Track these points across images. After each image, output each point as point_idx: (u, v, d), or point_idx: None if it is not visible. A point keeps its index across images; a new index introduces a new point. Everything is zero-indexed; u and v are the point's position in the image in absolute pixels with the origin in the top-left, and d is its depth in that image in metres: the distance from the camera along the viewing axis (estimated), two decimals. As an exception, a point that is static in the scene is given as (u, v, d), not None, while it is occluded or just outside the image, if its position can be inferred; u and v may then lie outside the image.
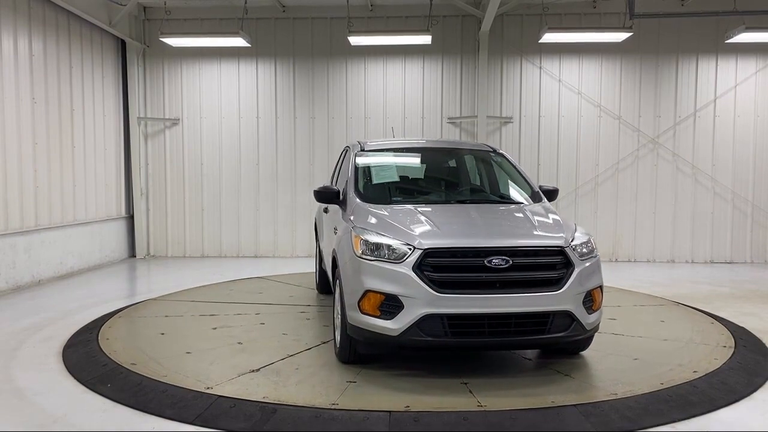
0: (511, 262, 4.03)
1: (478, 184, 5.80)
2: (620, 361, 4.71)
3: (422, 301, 3.95)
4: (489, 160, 5.84)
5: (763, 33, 8.97)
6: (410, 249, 4.08)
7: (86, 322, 5.94)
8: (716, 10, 9.33)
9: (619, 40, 9.60)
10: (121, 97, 10.49)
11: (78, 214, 9.18)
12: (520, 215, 4.78)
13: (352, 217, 4.71)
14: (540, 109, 10.42)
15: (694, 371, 4.43)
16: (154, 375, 4.32)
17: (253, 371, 4.40)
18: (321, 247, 6.72)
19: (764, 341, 5.35)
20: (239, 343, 5.11)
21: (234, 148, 10.71)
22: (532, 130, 10.44)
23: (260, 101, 10.65)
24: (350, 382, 4.21)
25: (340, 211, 5.13)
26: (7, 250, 7.60)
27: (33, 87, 8.17)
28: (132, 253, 10.78)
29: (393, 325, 4.01)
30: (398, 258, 4.09)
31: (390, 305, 4.03)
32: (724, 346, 5.09)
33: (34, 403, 3.96)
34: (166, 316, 6.11)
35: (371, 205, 4.84)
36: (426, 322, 3.96)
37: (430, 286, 3.97)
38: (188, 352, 4.88)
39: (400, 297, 4.00)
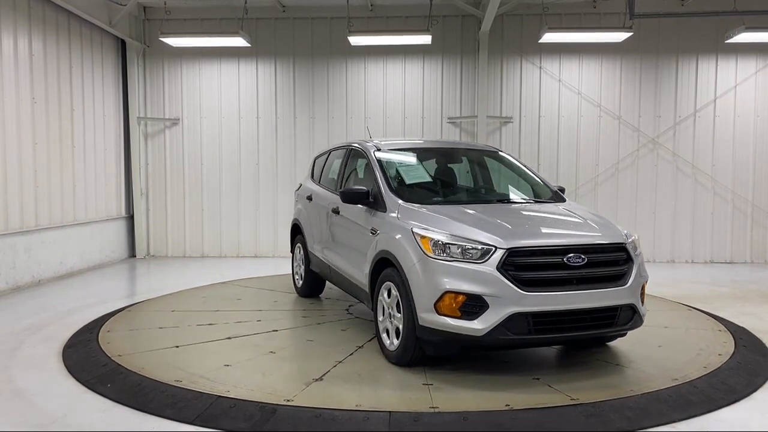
0: (586, 259, 4.17)
1: (503, 184, 5.88)
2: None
3: (508, 300, 3.98)
4: (502, 161, 6.02)
5: (763, 33, 8.97)
6: (492, 249, 4.09)
7: (86, 322, 5.94)
8: (716, 10, 9.34)
9: (619, 40, 9.61)
10: (121, 97, 10.49)
11: (78, 214, 9.18)
12: (571, 214, 4.92)
13: (399, 218, 4.66)
14: (540, 109, 10.42)
15: (694, 371, 4.43)
16: (155, 375, 4.31)
17: (316, 380, 4.23)
18: (311, 249, 6.55)
19: (764, 341, 5.36)
20: (271, 352, 4.91)
21: (234, 148, 10.71)
22: (532, 130, 10.44)
23: (260, 101, 10.66)
24: (426, 384, 4.16)
25: (371, 212, 5.04)
26: (7, 250, 7.60)
27: (33, 87, 8.17)
28: (132, 253, 10.78)
29: (478, 325, 4.00)
30: (479, 258, 4.09)
31: (473, 305, 4.03)
32: (724, 346, 5.09)
33: (34, 403, 3.96)
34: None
35: (416, 205, 4.80)
36: (512, 320, 3.99)
37: (516, 285, 4.00)
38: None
39: (484, 297, 4.00)
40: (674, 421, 3.66)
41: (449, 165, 5.95)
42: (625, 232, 4.60)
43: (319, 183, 6.76)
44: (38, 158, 8.26)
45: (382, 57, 10.46)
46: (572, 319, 4.14)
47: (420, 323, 4.22)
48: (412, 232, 4.39)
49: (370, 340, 5.21)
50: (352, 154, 6.08)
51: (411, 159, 5.72)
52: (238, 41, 9.41)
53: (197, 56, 10.57)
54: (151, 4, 10.28)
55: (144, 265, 9.97)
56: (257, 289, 7.58)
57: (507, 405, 3.80)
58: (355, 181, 5.83)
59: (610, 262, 4.33)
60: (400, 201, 4.85)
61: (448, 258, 4.15)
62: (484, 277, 4.02)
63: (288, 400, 3.84)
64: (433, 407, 3.75)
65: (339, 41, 10.31)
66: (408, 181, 5.29)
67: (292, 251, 7.42)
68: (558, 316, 4.10)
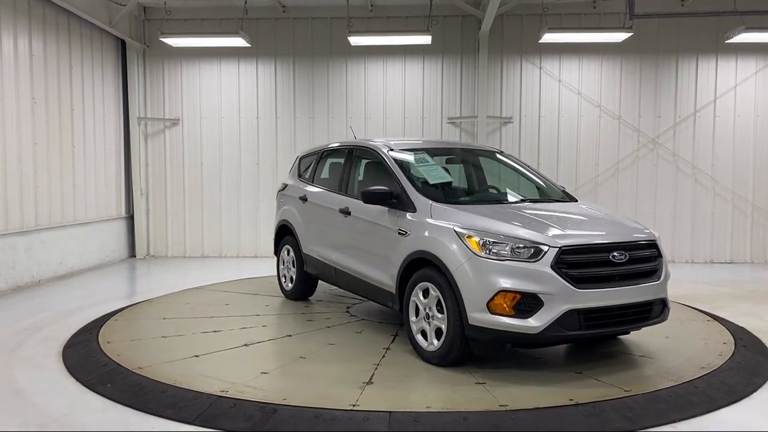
0: (627, 256, 4.33)
1: (516, 184, 5.93)
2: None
3: (563, 298, 4.06)
4: (506, 162, 6.10)
5: (763, 33, 8.96)
6: (544, 247, 4.14)
7: (86, 322, 5.93)
8: (716, 10, 9.33)
9: (619, 40, 9.61)
10: (121, 97, 10.49)
11: (78, 214, 9.18)
12: (597, 213, 5.12)
13: (433, 218, 4.66)
14: (540, 109, 10.42)
15: (694, 371, 4.43)
16: (155, 375, 4.31)
17: (366, 383, 4.17)
18: (306, 251, 6.42)
19: (764, 341, 5.36)
20: (301, 357, 4.78)
21: (234, 148, 10.71)
22: (532, 130, 10.44)
23: (260, 101, 10.66)
24: (479, 383, 4.18)
25: (396, 212, 5.00)
26: (7, 250, 7.60)
27: (33, 87, 8.17)
28: (132, 253, 10.78)
29: (534, 323, 4.06)
30: (531, 257, 4.14)
31: (528, 304, 4.08)
32: (724, 346, 5.09)
33: (34, 403, 3.96)
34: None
35: (448, 205, 4.82)
36: (567, 317, 4.08)
37: (569, 283, 4.09)
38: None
39: (539, 295, 4.06)
40: (674, 421, 3.65)
41: (462, 165, 5.98)
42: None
43: (312, 183, 6.59)
44: (38, 158, 8.26)
45: (382, 57, 10.46)
46: (617, 314, 4.30)
47: (470, 323, 4.24)
48: (456, 232, 4.40)
49: (393, 341, 5.19)
50: (357, 154, 6.00)
51: (429, 160, 5.68)
52: (238, 41, 9.41)
53: (197, 56, 10.57)
54: (151, 4, 10.28)
55: (144, 265, 9.97)
56: (239, 293, 7.22)
57: (570, 400, 3.84)
58: (366, 182, 5.77)
59: (646, 258, 4.50)
60: (432, 202, 4.84)
61: (499, 257, 4.19)
62: (538, 276, 4.09)
63: (354, 405, 3.78)
64: (502, 405, 3.78)
65: (339, 41, 10.31)
66: (431, 182, 5.27)
67: (277, 254, 7.17)
68: (605, 312, 4.23)
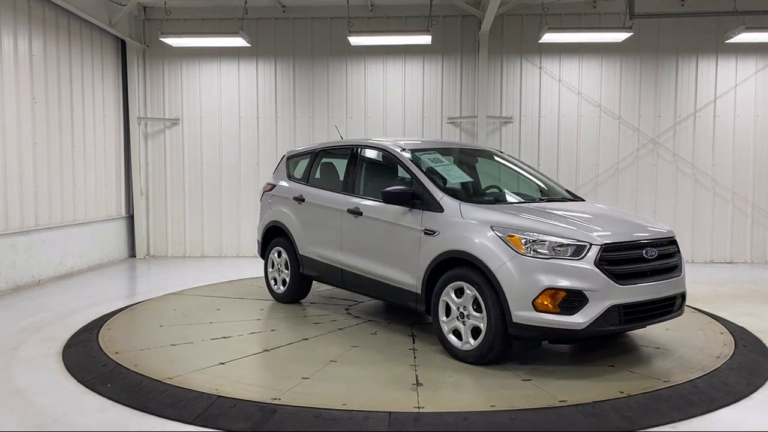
0: (656, 252, 4.51)
1: (526, 184, 5.99)
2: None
3: (606, 294, 4.19)
4: (507, 162, 6.18)
5: (763, 33, 8.97)
6: (587, 245, 4.26)
7: (86, 322, 5.93)
8: (716, 10, 9.33)
9: (619, 40, 9.61)
10: (121, 97, 10.49)
11: (78, 214, 9.18)
12: (617, 211, 5.33)
13: (465, 218, 4.68)
14: (540, 109, 10.42)
15: (694, 371, 4.44)
16: (155, 375, 4.30)
17: (416, 385, 4.14)
18: (304, 252, 6.30)
19: (764, 341, 5.36)
20: (332, 361, 4.67)
21: (234, 149, 10.71)
22: (532, 130, 10.44)
23: (260, 101, 10.66)
24: (526, 380, 4.24)
25: (420, 212, 4.98)
26: (7, 250, 7.60)
27: (33, 87, 8.17)
28: (132, 253, 10.78)
29: (579, 319, 4.16)
30: (574, 254, 4.25)
31: (573, 300, 4.17)
32: (724, 346, 5.09)
33: (34, 403, 3.96)
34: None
35: (478, 205, 4.89)
36: (609, 312, 4.20)
37: (612, 279, 4.22)
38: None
39: (584, 292, 4.16)
40: (674, 421, 3.65)
41: (473, 165, 6.00)
42: None
43: (308, 183, 6.46)
44: (38, 158, 8.26)
45: (382, 57, 10.46)
46: (650, 309, 4.45)
47: (514, 321, 4.28)
48: (495, 231, 4.46)
49: (414, 341, 5.19)
50: (364, 154, 5.94)
51: (443, 159, 5.70)
52: (238, 41, 9.41)
53: (197, 56, 10.57)
54: (151, 4, 10.28)
55: (144, 265, 9.97)
56: (224, 298, 6.99)
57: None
58: (378, 183, 5.77)
59: (670, 254, 4.69)
60: (460, 201, 4.87)
61: (546, 256, 4.26)
62: (583, 273, 4.19)
63: (420, 408, 3.74)
64: (561, 401, 3.86)
65: (339, 41, 10.31)
66: (452, 181, 5.29)
67: (264, 256, 6.94)
68: (641, 306, 4.38)
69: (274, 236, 6.83)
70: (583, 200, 5.71)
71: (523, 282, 4.24)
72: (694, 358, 4.79)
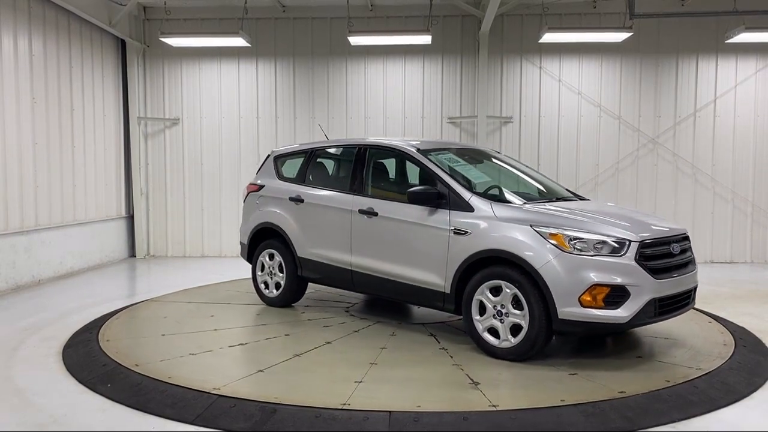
0: (679, 248, 4.77)
1: (534, 185, 6.04)
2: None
3: (646, 288, 4.39)
4: (504, 162, 6.26)
5: (763, 33, 8.97)
6: (626, 242, 4.43)
7: (86, 322, 5.93)
8: (716, 10, 9.33)
9: (619, 40, 9.61)
10: (121, 97, 10.49)
11: (78, 214, 9.18)
12: (630, 210, 5.54)
13: (499, 217, 4.73)
14: (540, 109, 10.42)
15: (694, 371, 4.44)
16: (155, 375, 4.30)
17: (473, 384, 4.16)
18: (303, 254, 6.09)
19: (764, 341, 5.36)
20: (372, 363, 4.61)
21: (234, 148, 10.71)
22: (532, 130, 10.44)
23: (260, 101, 10.66)
24: (573, 374, 4.37)
25: (447, 212, 4.98)
26: (7, 250, 7.60)
27: (33, 87, 8.17)
28: (132, 253, 10.78)
29: (622, 313, 4.34)
30: (615, 251, 4.42)
31: (616, 296, 4.35)
32: (724, 346, 5.09)
33: (34, 403, 3.96)
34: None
35: (511, 204, 5.03)
36: (648, 305, 4.40)
37: (651, 274, 4.43)
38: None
39: (627, 287, 4.34)
40: (674, 421, 3.65)
41: (481, 166, 6.01)
42: None
43: (304, 183, 6.28)
44: (38, 158, 8.26)
45: (382, 57, 10.46)
46: (677, 301, 4.67)
47: (560, 317, 4.41)
48: (537, 230, 4.55)
49: (438, 341, 5.19)
50: (373, 155, 5.83)
51: (459, 159, 5.70)
52: (238, 41, 9.41)
53: (197, 56, 10.57)
54: (151, 4, 10.28)
55: (144, 265, 9.97)
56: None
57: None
58: (394, 183, 5.81)
59: (687, 249, 4.95)
60: (491, 201, 4.93)
61: (589, 253, 4.41)
62: (625, 269, 4.37)
63: (494, 405, 3.77)
64: (621, 392, 3.99)
65: (339, 41, 10.31)
66: (474, 182, 5.31)
67: (252, 260, 6.70)
68: (671, 299, 4.60)
69: (264, 238, 6.59)
70: (588, 200, 5.79)
71: (569, 279, 4.37)
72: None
